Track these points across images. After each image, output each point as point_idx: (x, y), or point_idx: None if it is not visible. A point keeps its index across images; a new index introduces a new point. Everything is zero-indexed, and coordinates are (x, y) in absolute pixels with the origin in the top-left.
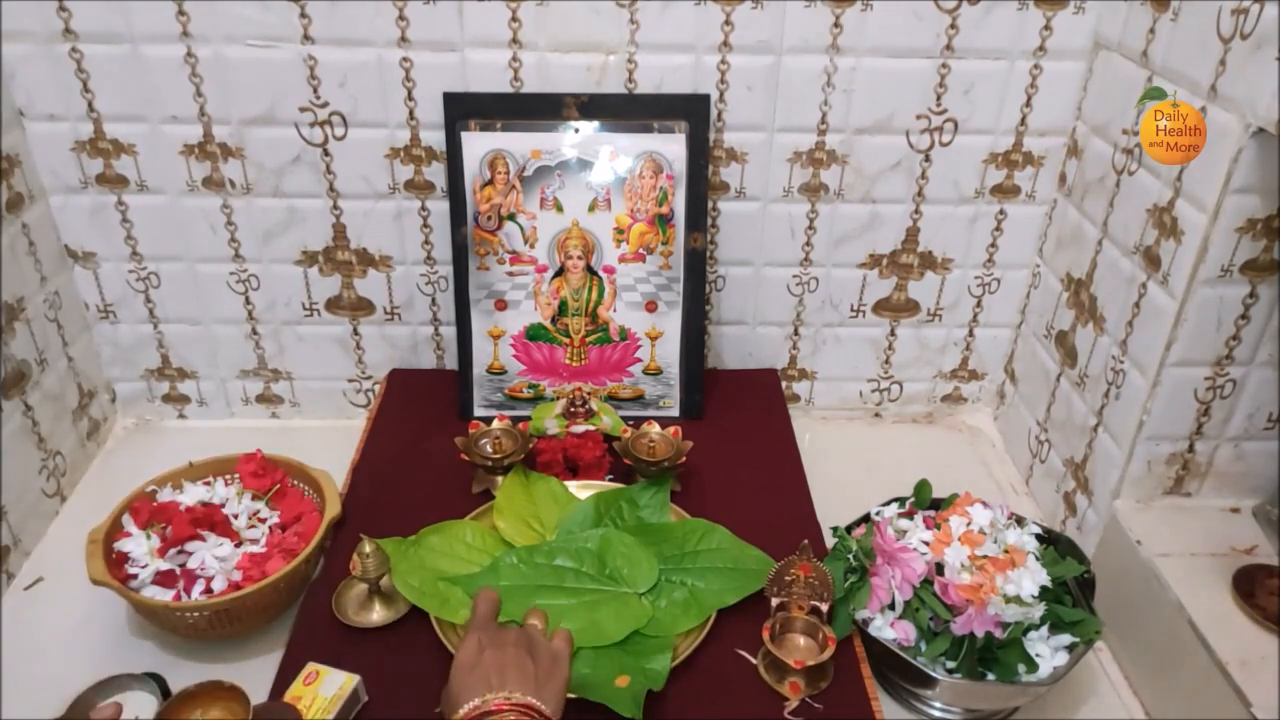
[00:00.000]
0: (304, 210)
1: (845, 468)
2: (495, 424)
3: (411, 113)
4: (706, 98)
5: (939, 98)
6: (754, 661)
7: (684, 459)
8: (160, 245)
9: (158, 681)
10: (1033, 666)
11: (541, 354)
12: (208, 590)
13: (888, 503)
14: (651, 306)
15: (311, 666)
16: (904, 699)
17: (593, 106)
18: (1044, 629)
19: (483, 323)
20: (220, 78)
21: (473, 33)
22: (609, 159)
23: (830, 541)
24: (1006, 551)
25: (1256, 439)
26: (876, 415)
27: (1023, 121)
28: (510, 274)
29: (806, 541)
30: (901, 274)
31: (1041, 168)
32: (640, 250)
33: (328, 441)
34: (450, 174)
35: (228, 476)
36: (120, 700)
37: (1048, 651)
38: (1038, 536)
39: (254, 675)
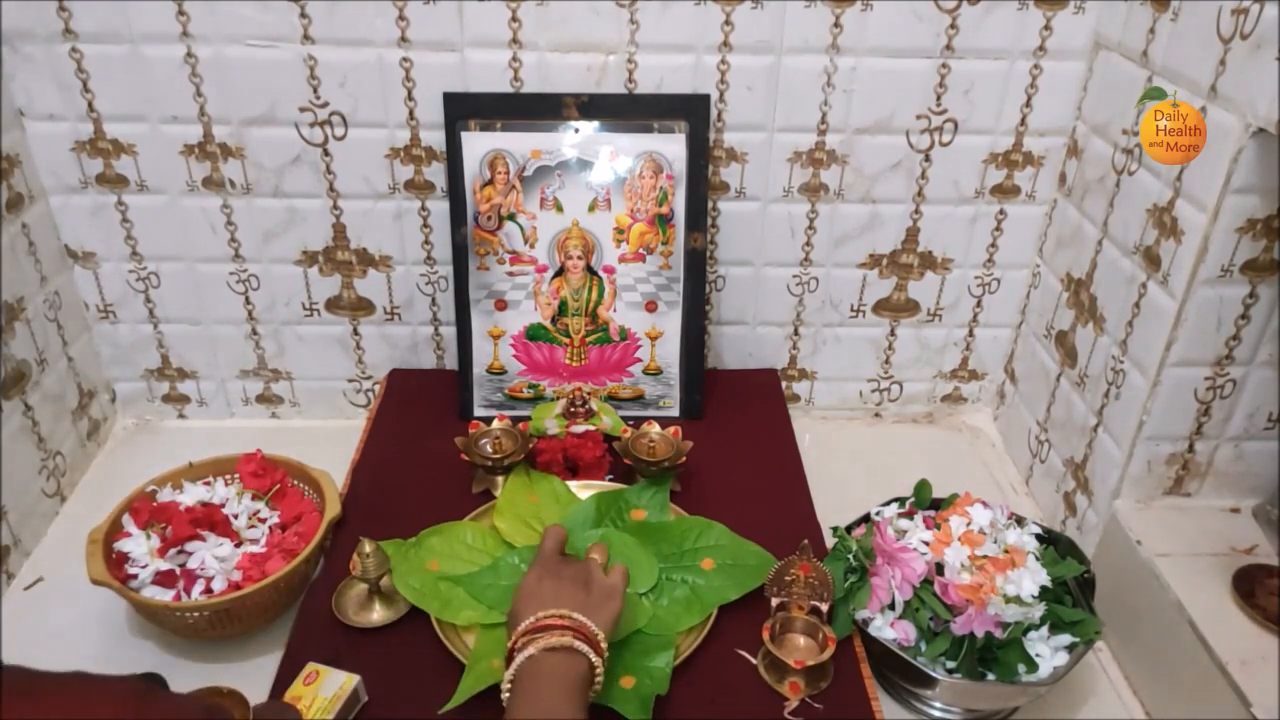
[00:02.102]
0: (304, 210)
1: (845, 468)
2: (495, 424)
3: (411, 113)
4: (706, 98)
5: (939, 98)
6: (754, 661)
7: (684, 459)
8: (160, 245)
9: (158, 683)
10: (1033, 666)
11: (541, 354)
12: (208, 590)
13: (888, 503)
14: (651, 306)
15: (311, 666)
16: (904, 699)
17: (593, 106)
18: (1044, 629)
19: (483, 323)
20: (220, 78)
21: (473, 33)
22: (609, 159)
23: (830, 541)
24: (1006, 551)
25: (1256, 439)
26: (876, 415)
27: (1023, 121)
28: (510, 274)
29: (806, 541)
30: (901, 274)
31: (1041, 168)
32: (640, 250)
33: (328, 441)
34: (450, 174)
35: (228, 476)
36: None
37: (1048, 651)
38: (1038, 536)
39: (254, 675)
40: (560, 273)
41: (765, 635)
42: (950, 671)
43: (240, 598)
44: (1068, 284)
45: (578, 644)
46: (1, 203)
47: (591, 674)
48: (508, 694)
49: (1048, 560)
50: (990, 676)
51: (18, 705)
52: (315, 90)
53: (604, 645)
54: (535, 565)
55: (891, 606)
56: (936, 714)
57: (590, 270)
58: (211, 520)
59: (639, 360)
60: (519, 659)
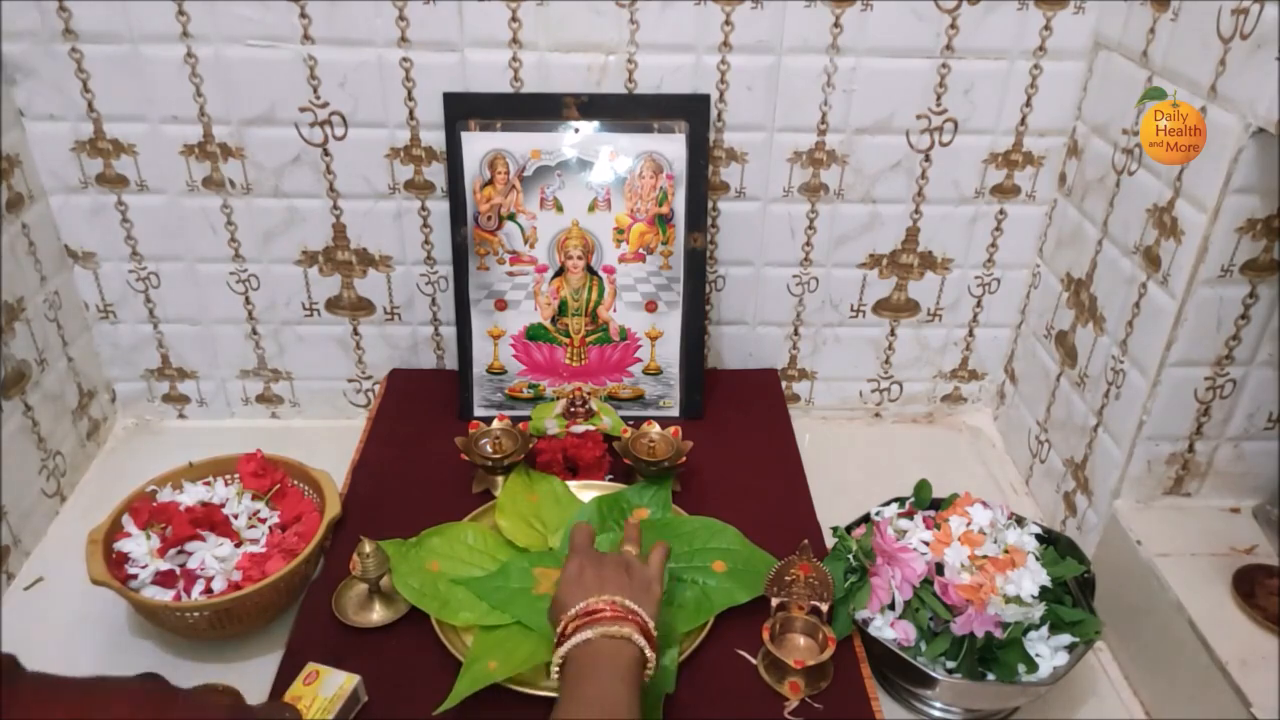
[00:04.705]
0: (304, 210)
1: (845, 468)
2: (495, 424)
3: (411, 113)
4: (706, 98)
5: (939, 98)
6: (754, 661)
7: (684, 459)
8: (160, 245)
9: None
10: (1033, 666)
11: (541, 354)
12: (208, 590)
13: (888, 503)
14: (651, 306)
15: (311, 666)
16: (904, 699)
17: (593, 106)
18: (1044, 629)
19: (483, 323)
20: (220, 78)
21: (473, 33)
22: (609, 159)
23: (830, 541)
24: (1006, 551)
25: (1256, 439)
26: (876, 415)
27: (1023, 121)
28: (510, 274)
29: (806, 541)
30: (901, 274)
31: (1041, 168)
32: (640, 250)
33: (328, 441)
34: (450, 174)
35: (228, 476)
36: None
37: (1048, 651)
38: (1038, 536)
39: (254, 675)
40: (560, 273)
41: (765, 635)
42: (950, 671)
43: (240, 598)
44: (1068, 284)
45: (636, 636)
46: (1, 203)
47: (644, 662)
48: (558, 675)
49: (1048, 560)
50: (990, 676)
51: (39, 707)
52: (315, 90)
53: (655, 633)
54: (572, 556)
55: (891, 606)
56: (936, 714)
57: (590, 270)
58: (211, 520)
59: (639, 360)
60: (574, 640)
